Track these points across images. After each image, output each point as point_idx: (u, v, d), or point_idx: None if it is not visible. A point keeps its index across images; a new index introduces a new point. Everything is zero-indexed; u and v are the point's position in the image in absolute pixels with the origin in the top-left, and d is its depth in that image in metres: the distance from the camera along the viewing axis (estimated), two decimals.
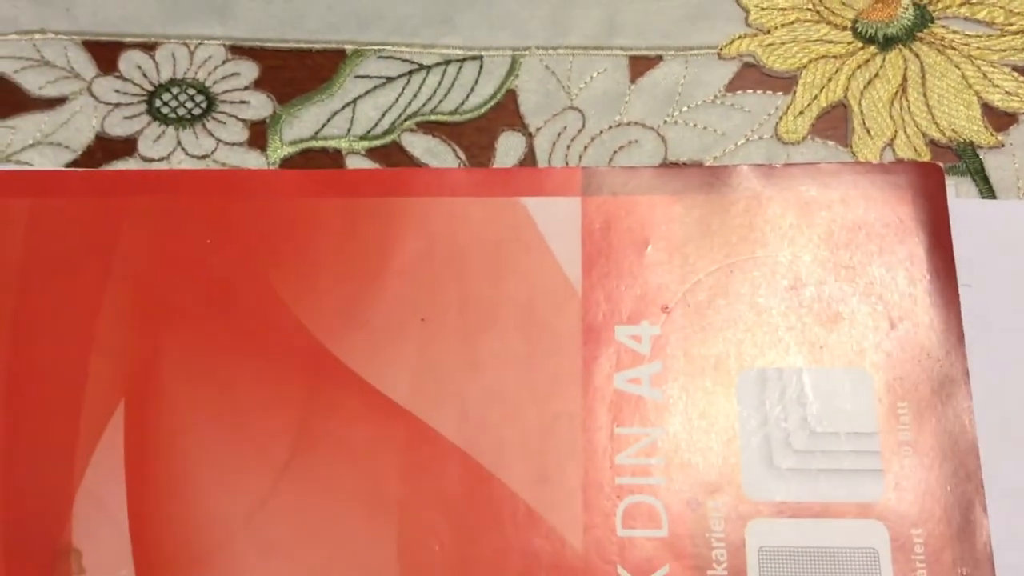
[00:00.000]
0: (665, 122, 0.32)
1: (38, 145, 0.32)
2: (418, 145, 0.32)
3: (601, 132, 0.32)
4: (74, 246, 0.30)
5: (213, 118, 0.32)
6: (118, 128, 0.32)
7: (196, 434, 0.28)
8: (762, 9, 0.33)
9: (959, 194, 0.30)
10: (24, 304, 0.29)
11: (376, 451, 0.27)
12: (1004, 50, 0.32)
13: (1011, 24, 0.32)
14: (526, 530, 0.26)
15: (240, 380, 0.28)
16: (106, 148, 0.32)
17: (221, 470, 0.27)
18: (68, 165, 0.32)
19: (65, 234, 0.30)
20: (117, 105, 0.33)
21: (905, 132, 0.31)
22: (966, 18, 0.32)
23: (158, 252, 0.29)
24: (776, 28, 0.33)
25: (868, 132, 0.31)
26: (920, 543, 0.26)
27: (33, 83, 0.33)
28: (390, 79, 0.33)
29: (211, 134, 0.32)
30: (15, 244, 0.30)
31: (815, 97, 0.31)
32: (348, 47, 0.33)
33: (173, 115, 0.32)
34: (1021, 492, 0.26)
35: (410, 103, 0.32)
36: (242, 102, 0.32)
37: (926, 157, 0.30)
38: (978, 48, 0.32)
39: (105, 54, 0.33)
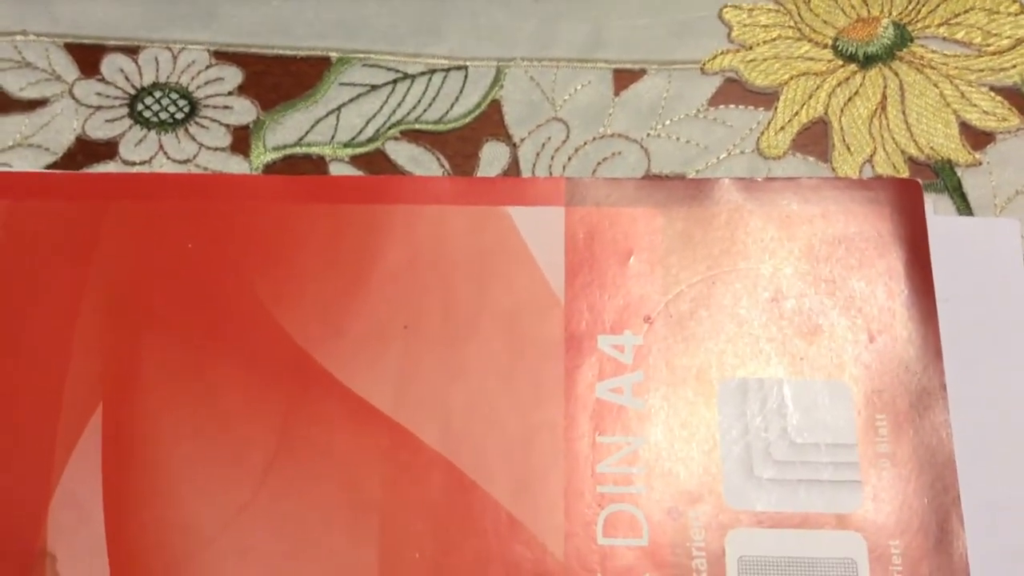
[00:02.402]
0: (648, 135, 0.32)
1: (17, 147, 0.32)
2: (402, 153, 0.32)
3: (585, 143, 0.32)
4: (53, 249, 0.29)
5: (196, 122, 0.32)
6: (99, 131, 0.32)
7: (175, 439, 0.27)
8: (745, 26, 0.33)
9: (937, 210, 0.30)
10: (2, 307, 0.29)
11: (358, 458, 0.27)
12: (982, 70, 0.32)
13: (989, 45, 0.32)
14: (507, 538, 0.26)
15: (221, 385, 0.28)
16: (87, 151, 0.32)
17: (200, 475, 0.27)
18: (48, 167, 0.31)
19: (44, 237, 0.29)
20: (99, 108, 0.32)
21: (884, 149, 0.31)
22: (945, 38, 0.33)
23: (138, 256, 0.29)
24: (758, 44, 0.33)
25: (848, 148, 0.31)
26: (897, 554, 0.26)
27: (14, 85, 0.33)
28: (375, 87, 0.33)
29: (193, 138, 0.32)
30: None
31: (796, 113, 0.32)
32: (333, 54, 0.33)
33: (155, 119, 0.32)
34: (997, 505, 0.27)
35: (394, 111, 0.32)
36: (225, 107, 0.32)
37: (905, 174, 0.31)
38: (956, 68, 0.32)
39: (87, 57, 0.33)
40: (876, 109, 0.32)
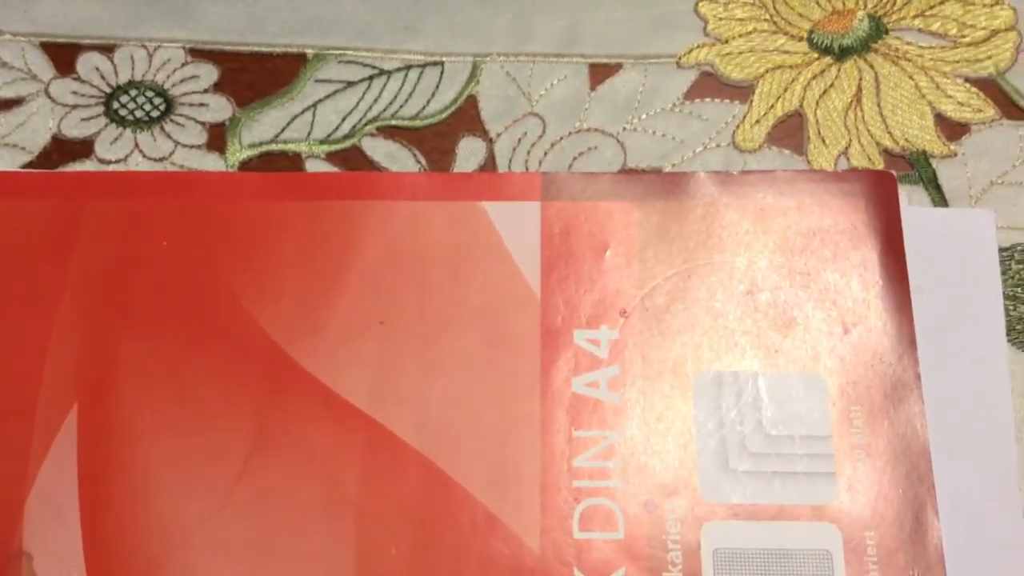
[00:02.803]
0: (624, 129, 0.32)
1: None
2: (379, 149, 0.32)
3: (561, 138, 0.32)
4: (30, 248, 0.29)
5: (172, 120, 0.32)
6: (75, 130, 0.32)
7: (151, 437, 0.27)
8: (720, 19, 0.33)
9: (912, 202, 0.30)
10: None
11: (334, 455, 0.27)
12: (957, 61, 0.32)
13: (964, 36, 0.32)
14: (484, 533, 0.26)
15: (197, 383, 0.28)
16: (63, 150, 0.32)
17: (177, 473, 0.27)
18: (24, 167, 0.31)
19: (21, 236, 0.29)
20: (74, 107, 0.32)
21: (859, 141, 0.31)
22: (920, 30, 0.33)
23: (115, 254, 0.29)
24: (734, 38, 0.33)
25: (823, 141, 0.31)
26: (872, 545, 0.26)
27: None
28: (351, 83, 0.33)
29: (169, 136, 0.32)
30: None
31: (771, 106, 0.32)
32: (309, 51, 0.33)
33: (131, 117, 0.32)
34: (972, 495, 0.27)
35: (371, 107, 0.32)
36: (201, 105, 0.32)
37: (880, 166, 0.31)
38: (931, 59, 0.32)
39: (63, 56, 0.33)
40: (851, 101, 0.32)
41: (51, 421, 0.27)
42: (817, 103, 0.32)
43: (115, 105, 0.32)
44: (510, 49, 0.33)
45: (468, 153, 0.32)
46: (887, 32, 0.33)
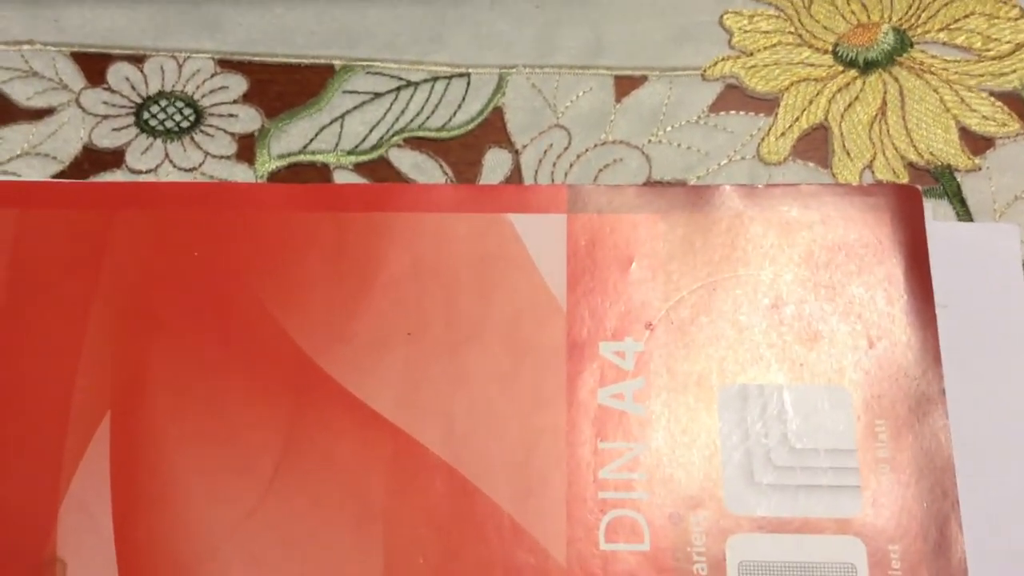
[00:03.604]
0: (649, 141, 0.32)
1: (25, 156, 0.32)
2: (405, 161, 0.32)
3: (587, 150, 0.32)
4: (61, 258, 0.30)
5: (201, 131, 0.32)
6: (106, 140, 0.32)
7: (182, 446, 0.28)
8: (745, 32, 0.33)
9: (936, 216, 0.30)
10: (10, 315, 0.29)
11: (362, 464, 0.27)
12: (982, 75, 0.32)
13: (988, 50, 0.33)
14: (510, 543, 0.26)
15: (227, 392, 0.28)
16: (93, 160, 0.32)
17: (207, 482, 0.27)
18: (55, 176, 0.32)
19: (52, 246, 0.30)
20: (105, 117, 0.33)
21: (884, 154, 0.31)
22: (944, 43, 0.33)
23: (145, 264, 0.30)
24: (759, 50, 0.33)
25: (848, 154, 0.31)
26: (896, 559, 0.26)
27: (21, 94, 0.33)
28: (378, 95, 0.33)
29: (199, 147, 0.32)
30: (2, 255, 0.30)
31: (796, 119, 0.32)
32: (337, 62, 0.33)
33: (161, 128, 0.32)
34: (996, 509, 0.27)
35: (398, 119, 0.33)
36: (230, 115, 0.33)
37: (904, 179, 0.31)
38: (956, 73, 0.32)
39: (94, 66, 0.34)
40: (876, 115, 0.32)
41: (84, 429, 0.28)
42: (842, 116, 0.32)
43: (145, 115, 0.33)
44: (535, 61, 0.33)
45: (494, 165, 0.32)
46: (912, 45, 0.33)
